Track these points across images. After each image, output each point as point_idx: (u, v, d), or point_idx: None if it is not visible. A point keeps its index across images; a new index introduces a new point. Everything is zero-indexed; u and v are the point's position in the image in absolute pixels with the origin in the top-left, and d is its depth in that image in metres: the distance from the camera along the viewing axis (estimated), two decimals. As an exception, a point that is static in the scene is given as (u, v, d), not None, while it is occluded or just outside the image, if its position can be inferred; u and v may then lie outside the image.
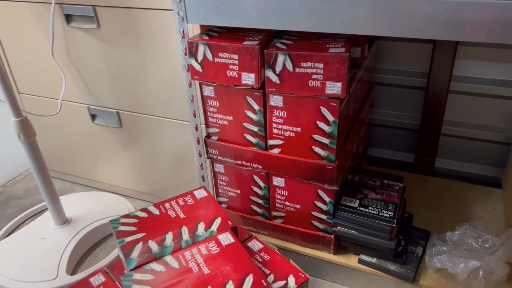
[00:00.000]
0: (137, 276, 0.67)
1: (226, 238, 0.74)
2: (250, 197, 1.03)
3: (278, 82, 0.81)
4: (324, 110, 0.81)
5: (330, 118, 0.81)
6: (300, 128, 0.86)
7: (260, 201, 1.03)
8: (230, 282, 0.65)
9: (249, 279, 0.65)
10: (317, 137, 0.85)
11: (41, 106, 1.30)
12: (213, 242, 0.73)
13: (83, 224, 1.18)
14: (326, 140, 0.85)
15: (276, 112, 0.86)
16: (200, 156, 1.03)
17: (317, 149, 0.87)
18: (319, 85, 0.78)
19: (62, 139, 1.36)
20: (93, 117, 1.25)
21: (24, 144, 1.03)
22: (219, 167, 1.03)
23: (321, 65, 0.76)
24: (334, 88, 0.77)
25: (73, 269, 1.10)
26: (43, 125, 1.35)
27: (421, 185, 1.21)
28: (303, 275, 0.78)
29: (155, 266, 0.69)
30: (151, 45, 1.04)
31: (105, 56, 1.11)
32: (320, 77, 0.77)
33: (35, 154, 1.05)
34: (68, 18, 1.11)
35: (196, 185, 1.11)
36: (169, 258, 0.71)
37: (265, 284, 0.65)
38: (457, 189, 1.19)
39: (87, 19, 1.08)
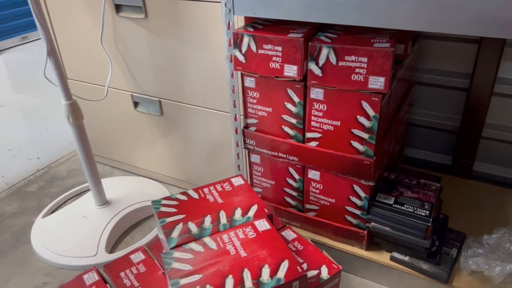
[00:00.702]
0: (177, 254, 0.70)
1: (263, 224, 0.76)
2: (284, 188, 1.05)
3: (320, 75, 0.82)
4: (365, 105, 0.82)
5: (371, 113, 0.82)
6: (339, 122, 0.87)
7: (294, 193, 1.04)
8: (266, 266, 0.67)
9: (285, 264, 0.67)
10: (356, 131, 0.86)
11: (87, 92, 1.36)
12: (250, 227, 0.75)
13: (122, 206, 1.23)
14: (365, 135, 0.85)
15: (316, 105, 0.87)
16: (238, 146, 1.05)
17: (355, 144, 0.87)
18: (361, 79, 0.78)
19: (105, 125, 1.42)
20: (136, 104, 1.30)
21: (72, 126, 1.08)
22: (255, 158, 1.05)
23: (365, 59, 0.76)
24: (377, 82, 0.77)
25: (111, 248, 1.15)
26: (88, 110, 1.41)
27: (458, 188, 1.19)
28: (336, 266, 0.79)
29: (194, 246, 0.72)
30: (195, 36, 1.07)
31: (150, 45, 1.16)
32: (364, 71, 0.77)
33: (81, 136, 1.10)
34: (118, 7, 1.15)
35: (231, 175, 1.14)
36: (207, 240, 0.73)
37: (300, 270, 0.66)
38: (495, 193, 1.16)
39: (135, 9, 1.13)
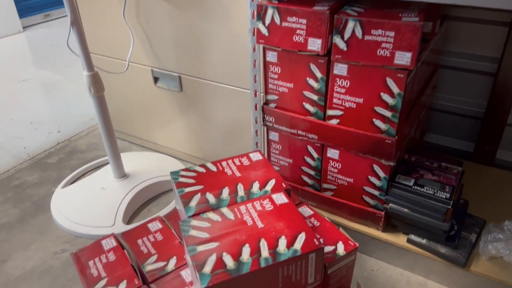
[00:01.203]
0: (194, 222, 0.71)
1: (280, 198, 0.76)
2: (302, 167, 1.04)
3: (345, 49, 0.80)
4: (390, 82, 0.80)
5: (396, 90, 0.80)
6: (362, 99, 0.85)
7: (312, 172, 1.03)
8: (283, 237, 0.67)
9: (302, 237, 0.67)
10: (379, 109, 0.84)
11: (108, 66, 1.37)
12: (267, 200, 0.75)
13: (139, 179, 1.24)
14: (388, 113, 0.83)
15: (339, 81, 0.86)
16: (256, 122, 1.05)
17: (377, 122, 0.86)
18: (387, 55, 0.77)
19: (124, 100, 1.43)
20: (156, 79, 1.30)
21: (94, 97, 1.09)
22: (274, 135, 1.04)
23: (392, 34, 0.74)
24: (404, 58, 0.75)
25: (128, 220, 1.17)
26: (108, 85, 1.42)
27: (479, 175, 1.17)
28: (352, 244, 0.78)
29: (212, 215, 0.72)
30: (217, 11, 1.06)
31: (172, 20, 1.15)
32: (390, 46, 0.76)
33: (102, 108, 1.11)
34: (141, -19, 1.15)
35: (250, 152, 1.13)
36: (225, 210, 0.73)
37: (317, 243, 0.66)
38: (518, 182, 1.14)
39: (159, -18, 1.12)
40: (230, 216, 0.72)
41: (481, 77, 1.18)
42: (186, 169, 0.85)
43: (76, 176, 1.35)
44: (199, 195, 0.77)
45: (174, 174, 0.83)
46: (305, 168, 1.04)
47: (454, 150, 1.30)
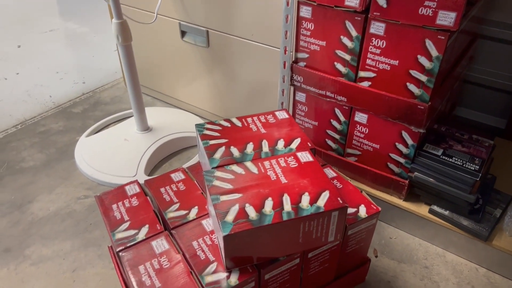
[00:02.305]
0: (218, 173, 0.70)
1: (305, 156, 0.75)
2: (327, 130, 1.02)
3: (385, 6, 0.76)
4: (429, 43, 0.76)
5: (434, 53, 0.76)
6: (397, 61, 0.82)
7: (337, 136, 1.01)
8: (306, 193, 0.66)
9: (325, 194, 0.66)
10: (414, 73, 0.81)
11: (136, 17, 1.35)
12: (292, 157, 0.74)
13: (162, 134, 1.25)
14: (423, 78, 0.80)
15: (375, 41, 0.82)
16: (284, 81, 1.02)
17: (411, 86, 0.82)
18: (430, 14, 0.73)
19: (150, 54, 1.41)
20: (183, 33, 1.28)
21: (121, 46, 1.08)
22: (301, 96, 1.02)
23: (437, -9, 0.70)
24: (447, 18, 0.71)
25: (149, 173, 1.18)
26: (136, 37, 1.40)
27: (509, 152, 1.13)
28: (375, 207, 0.77)
29: (236, 168, 0.72)
30: (251, -38, 1.02)
31: (204, -29, 1.11)
32: (434, 4, 0.71)
33: (129, 58, 1.10)
34: None
35: (274, 112, 1.12)
36: (249, 164, 0.73)
37: (340, 201, 0.65)
38: (551, 161, 1.09)
39: None
40: (254, 170, 0.71)
41: (522, 49, 1.12)
42: (211, 123, 0.84)
43: (100, 126, 1.36)
44: (223, 148, 0.77)
45: (199, 126, 0.83)
46: (330, 132, 1.02)
47: (485, 126, 1.26)
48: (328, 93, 0.95)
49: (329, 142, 1.04)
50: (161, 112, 1.39)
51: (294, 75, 0.98)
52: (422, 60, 0.78)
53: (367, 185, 1.02)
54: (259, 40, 1.12)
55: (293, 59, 0.98)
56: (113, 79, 1.67)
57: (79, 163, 1.19)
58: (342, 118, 0.98)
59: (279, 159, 0.74)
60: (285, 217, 0.62)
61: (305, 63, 0.96)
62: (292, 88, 1.02)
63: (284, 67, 0.99)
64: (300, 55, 0.96)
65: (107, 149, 1.21)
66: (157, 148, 1.19)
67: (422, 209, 0.96)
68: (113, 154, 1.19)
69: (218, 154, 0.75)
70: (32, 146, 1.28)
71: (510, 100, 1.19)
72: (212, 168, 0.72)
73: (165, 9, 1.26)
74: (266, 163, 0.73)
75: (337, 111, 0.97)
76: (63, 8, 2.41)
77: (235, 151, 0.76)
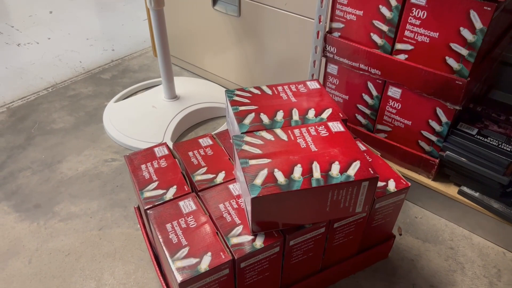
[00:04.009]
0: (248, 138, 0.70)
1: (336, 126, 0.73)
2: (358, 105, 1.00)
3: (429, -27, 0.73)
4: (474, 15, 0.72)
5: (478, 25, 0.73)
6: (437, 33, 0.78)
7: (367, 111, 0.99)
8: (337, 162, 0.65)
9: (356, 164, 0.65)
10: (455, 46, 0.77)
11: (167, -16, 1.34)
12: (323, 126, 0.73)
13: (189, 102, 1.25)
14: (464, 51, 0.77)
15: (415, 11, 0.79)
16: (316, 52, 1.00)
17: (450, 60, 0.79)
18: (478, -18, 0.69)
19: (180, 22, 1.41)
20: (215, 1, 1.26)
21: (153, 11, 1.08)
22: (333, 68, 1.00)
23: (488, -43, 0.66)
24: (496, -13, 0.67)
25: (176, 140, 1.19)
26: (166, 5, 1.39)
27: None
28: (404, 182, 0.76)
29: (265, 134, 0.71)
30: None
31: None
32: (483, -28, 0.68)
33: (160, 22, 1.10)
34: None
35: (304, 85, 1.10)
36: (278, 131, 0.72)
37: (372, 172, 0.64)
38: None
39: None
40: (284, 137, 0.71)
41: None
42: (242, 89, 0.83)
43: (128, 93, 1.37)
44: (253, 114, 0.76)
45: (230, 92, 0.82)
46: (360, 107, 1.00)
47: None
48: (362, 66, 0.92)
49: (359, 117, 1.02)
50: (188, 82, 1.39)
51: (327, 45, 0.96)
52: (465, 32, 0.75)
53: (395, 163, 1.00)
54: (293, 10, 1.09)
55: (328, 29, 0.95)
56: (141, 47, 1.67)
57: (107, 127, 1.20)
58: (374, 93, 0.95)
59: (309, 128, 0.73)
60: (314, 184, 0.62)
61: (339, 34, 0.93)
62: (324, 60, 1.00)
63: (318, 37, 0.97)
64: (335, 24, 0.93)
65: (134, 115, 1.22)
66: (184, 117, 1.20)
67: (451, 190, 0.93)
68: (141, 120, 1.20)
69: (247, 120, 0.75)
70: (62, 108, 1.31)
71: (551, 84, 1.13)
72: (242, 133, 0.72)
73: (197, -24, 1.25)
74: (296, 131, 0.72)
75: (370, 84, 0.95)
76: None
77: (265, 118, 0.75)
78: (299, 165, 0.65)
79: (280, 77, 1.23)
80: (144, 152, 0.80)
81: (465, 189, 0.92)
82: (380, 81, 0.92)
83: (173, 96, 1.25)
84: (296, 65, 1.17)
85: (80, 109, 1.30)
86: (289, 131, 0.72)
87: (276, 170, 0.64)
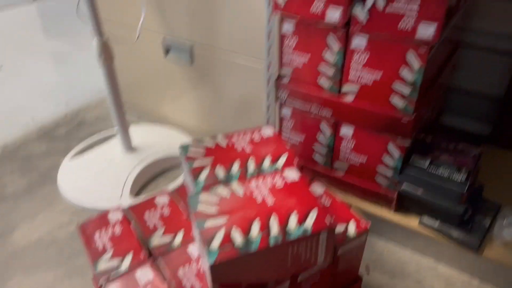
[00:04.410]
0: (203, 197, 0.69)
1: (292, 174, 0.73)
2: (314, 145, 1.01)
3: (365, 21, 0.76)
4: (411, 56, 0.76)
5: (416, 65, 0.76)
6: (380, 75, 0.81)
7: (324, 151, 1.00)
8: (294, 215, 0.65)
9: (313, 214, 0.65)
10: (397, 85, 0.80)
11: (119, 33, 1.33)
12: (279, 176, 0.73)
13: (147, 153, 1.22)
14: (406, 90, 0.80)
15: (357, 55, 0.82)
16: (268, 98, 1.02)
17: (395, 99, 0.82)
18: (409, 28, 0.72)
19: (135, 72, 1.40)
20: (167, 50, 1.26)
21: (103, 65, 1.06)
22: (286, 111, 1.01)
23: (415, 5, 0.70)
24: (427, 31, 0.71)
25: (135, 194, 1.15)
26: (119, 55, 1.38)
27: (496, 158, 1.13)
28: (364, 224, 0.76)
29: (221, 190, 0.70)
30: (231, -21, 1.02)
31: (184, -13, 1.11)
32: (413, 18, 0.71)
33: (111, 77, 1.09)
34: None
35: (260, 128, 1.11)
36: (235, 185, 0.71)
37: (328, 222, 0.64)
38: (537, 166, 1.10)
39: None
40: (240, 191, 0.70)
41: (502, 57, 1.13)
42: (196, 143, 0.82)
43: (84, 148, 1.33)
44: (208, 169, 0.75)
45: (184, 147, 0.81)
46: (317, 146, 1.01)
47: (471, 133, 1.26)
48: (313, 108, 0.94)
49: (317, 157, 1.03)
50: (146, 130, 1.37)
51: (278, 91, 0.97)
52: (405, 72, 0.78)
53: (357, 199, 1.01)
54: (245, 55, 1.11)
55: (277, 75, 0.97)
56: (98, 98, 1.64)
57: (62, 188, 1.16)
58: (328, 132, 0.97)
59: (265, 178, 0.73)
60: (272, 242, 0.61)
61: (289, 79, 0.95)
62: (277, 103, 1.01)
63: (268, 84, 0.99)
64: (284, 70, 0.95)
65: (91, 171, 1.18)
66: (143, 169, 1.17)
67: (412, 221, 0.95)
68: (98, 177, 1.16)
69: (202, 176, 0.73)
70: (13, 171, 1.25)
71: (495, 106, 1.19)
72: (197, 191, 0.71)
73: (148, 24, 1.25)
74: (253, 183, 0.71)
75: (323, 125, 0.96)
76: (48, 27, 2.38)
77: (220, 172, 0.75)
78: (256, 221, 0.64)
79: (238, 118, 1.23)
80: (97, 219, 0.77)
81: (425, 219, 0.93)
82: (332, 122, 0.94)
83: (131, 148, 1.22)
84: (253, 108, 1.18)
85: (33, 170, 1.25)
86: (246, 184, 0.71)
87: (233, 229, 0.63)
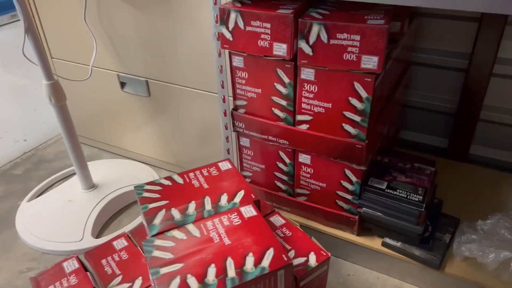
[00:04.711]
0: (158, 242, 0.67)
1: (249, 211, 0.73)
2: (275, 173, 1.02)
3: (311, 54, 0.78)
4: (358, 86, 0.78)
5: (364, 94, 0.78)
6: (330, 104, 0.83)
7: (285, 178, 1.01)
8: (251, 254, 0.64)
9: (270, 253, 0.64)
10: (348, 114, 0.82)
11: (73, 72, 1.31)
12: (235, 213, 0.72)
13: (109, 189, 1.20)
14: (357, 118, 0.81)
15: (307, 86, 0.83)
16: (226, 129, 1.02)
17: (347, 127, 0.84)
18: (354, 59, 0.74)
19: (92, 106, 1.37)
20: (123, 84, 1.25)
21: (55, 107, 1.04)
22: (245, 141, 1.01)
23: (357, 37, 0.72)
24: (370, 62, 0.73)
25: (98, 233, 1.12)
26: (75, 91, 1.36)
27: (453, 172, 1.16)
28: (324, 254, 0.76)
29: (176, 233, 0.69)
30: (182, 13, 1.02)
31: (136, 22, 1.10)
32: (356, 50, 0.73)
33: (65, 118, 1.06)
34: (101, -18, 1.10)
35: (222, 158, 1.10)
36: (191, 227, 0.70)
37: (285, 258, 0.64)
38: (492, 177, 1.14)
39: (119, -16, 1.07)
40: (196, 233, 0.69)
41: (453, 73, 1.17)
42: (151, 183, 0.81)
43: (43, 188, 1.29)
44: (163, 211, 0.74)
45: (138, 188, 0.80)
46: (278, 174, 1.01)
47: (429, 147, 1.30)
48: (270, 137, 0.95)
49: (279, 184, 1.03)
50: (107, 165, 1.34)
51: (235, 122, 0.98)
52: (354, 101, 0.80)
53: (320, 223, 1.01)
54: (200, 87, 1.11)
55: (233, 106, 0.97)
56: (57, 132, 1.60)
57: (20, 232, 1.11)
58: (287, 160, 0.97)
59: (222, 217, 0.72)
60: (229, 285, 0.60)
61: (244, 110, 0.96)
62: (236, 133, 1.01)
63: (225, 115, 0.99)
64: (239, 102, 0.95)
65: (50, 213, 1.15)
66: (104, 207, 1.14)
67: (375, 243, 0.96)
68: (57, 219, 1.12)
69: (158, 219, 0.72)
70: (-32, 218, 1.20)
71: (449, 120, 1.23)
72: (152, 236, 0.69)
73: (102, 62, 1.24)
74: (209, 224, 0.71)
75: (282, 153, 0.97)
76: (3, 60, 2.32)
77: (176, 213, 0.74)
78: (213, 265, 0.63)
79: (199, 148, 1.23)
80: (52, 270, 0.75)
81: (387, 240, 0.94)
82: (290, 150, 0.95)
83: (91, 185, 1.19)
84: (212, 138, 1.18)
85: (-11, 215, 1.20)
86: (202, 225, 0.71)
87: (189, 276, 0.61)
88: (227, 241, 0.67)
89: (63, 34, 1.26)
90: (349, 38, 0.73)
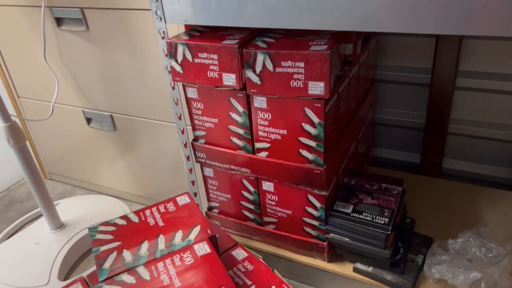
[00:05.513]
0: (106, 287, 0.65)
1: (202, 248, 0.71)
2: (241, 202, 0.99)
3: (259, 82, 0.77)
4: (309, 112, 0.76)
5: (315, 119, 0.77)
6: (285, 131, 0.81)
7: (251, 206, 0.99)
8: (201, 296, 0.62)
9: (221, 293, 0.62)
10: (303, 139, 0.80)
11: (39, 110, 1.30)
12: (188, 252, 0.70)
13: (78, 228, 1.17)
14: (313, 143, 0.80)
15: (261, 114, 0.82)
16: (188, 160, 1.00)
17: (304, 152, 0.82)
18: (301, 85, 0.73)
19: (62, 143, 1.36)
20: (88, 120, 1.24)
21: (14, 149, 1.02)
22: (209, 171, 0.99)
23: (301, 64, 0.71)
24: (317, 88, 0.72)
25: (66, 274, 1.09)
26: (44, 129, 1.35)
27: (426, 188, 1.15)
28: (286, 287, 0.73)
29: (126, 277, 0.66)
30: (139, 47, 1.02)
31: (95, 58, 1.10)
32: (302, 76, 0.72)
33: (26, 159, 1.04)
34: (59, 21, 1.10)
35: (187, 190, 1.08)
36: (141, 269, 0.68)
37: (237, 298, 0.61)
38: (465, 191, 1.12)
39: (76, 21, 1.07)
40: (146, 276, 0.66)
41: (418, 88, 1.17)
42: (106, 223, 0.79)
43: (13, 230, 1.26)
44: (115, 253, 0.71)
45: (92, 230, 0.77)
46: (244, 203, 0.99)
47: (403, 163, 1.28)
48: (232, 166, 0.93)
49: (246, 213, 1.01)
50: (77, 202, 1.31)
51: (196, 152, 0.96)
52: (307, 127, 0.78)
53: (291, 251, 0.99)
54: (163, 119, 1.10)
55: (193, 137, 0.95)
56: (30, 171, 1.57)
57: (-15, 279, 1.08)
58: (251, 188, 0.95)
59: (174, 257, 0.70)
60: (174, 332, 0.57)
61: (204, 140, 0.94)
62: (199, 164, 0.99)
63: (186, 147, 0.97)
64: (198, 133, 0.94)
65: (17, 257, 1.11)
66: (72, 247, 1.11)
67: (347, 269, 0.93)
68: (24, 262, 1.09)
69: (108, 263, 0.70)
70: None
71: (419, 136, 1.22)
72: (101, 281, 0.66)
73: (66, 99, 1.23)
74: (160, 265, 0.68)
75: (245, 182, 0.95)
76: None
77: (127, 256, 0.71)
78: (160, 310, 0.60)
79: (169, 181, 1.21)
80: (1, 323, 0.71)
81: (359, 265, 0.92)
82: (253, 178, 0.93)
83: (59, 225, 1.17)
84: (181, 168, 1.16)
85: (-45, 263, 1.16)
86: (153, 267, 0.68)
87: (134, 324, 0.59)
88: (177, 283, 0.65)
89: (28, 73, 1.25)
90: (293, 66, 0.72)
